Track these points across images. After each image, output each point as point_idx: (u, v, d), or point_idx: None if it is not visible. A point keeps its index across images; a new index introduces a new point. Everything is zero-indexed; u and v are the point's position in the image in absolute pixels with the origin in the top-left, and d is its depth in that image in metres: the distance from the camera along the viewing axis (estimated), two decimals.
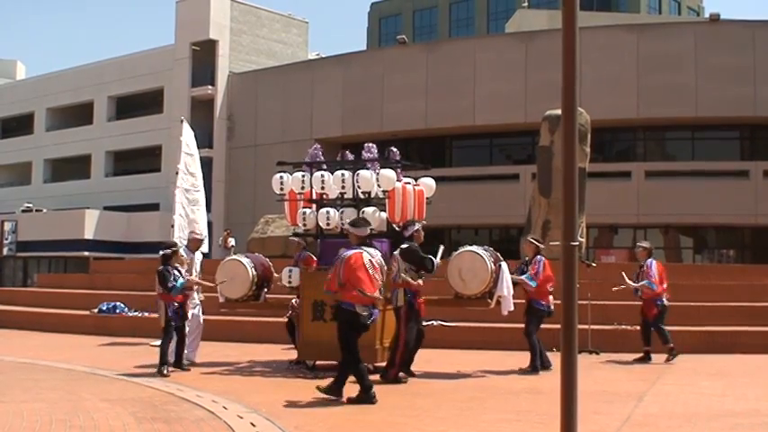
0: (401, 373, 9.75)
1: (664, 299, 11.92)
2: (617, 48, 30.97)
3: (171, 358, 10.70)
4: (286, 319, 12.05)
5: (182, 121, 14.71)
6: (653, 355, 11.83)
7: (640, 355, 11.88)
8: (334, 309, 8.98)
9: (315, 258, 11.21)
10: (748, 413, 7.84)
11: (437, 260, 9.95)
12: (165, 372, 10.25)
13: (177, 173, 14.03)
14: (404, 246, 9.87)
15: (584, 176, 17.29)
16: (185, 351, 11.15)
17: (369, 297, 8.28)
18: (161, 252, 10.79)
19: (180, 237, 13.19)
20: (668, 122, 31.74)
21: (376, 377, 9.50)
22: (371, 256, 8.51)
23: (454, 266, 10.14)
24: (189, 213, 14.02)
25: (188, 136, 14.38)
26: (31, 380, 9.83)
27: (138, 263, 26.36)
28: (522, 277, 10.77)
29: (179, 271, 10.68)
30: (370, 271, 8.36)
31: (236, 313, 14.00)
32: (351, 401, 8.13)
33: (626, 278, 12.19)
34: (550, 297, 10.84)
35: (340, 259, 8.42)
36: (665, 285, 11.95)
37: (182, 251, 11.32)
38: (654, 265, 11.92)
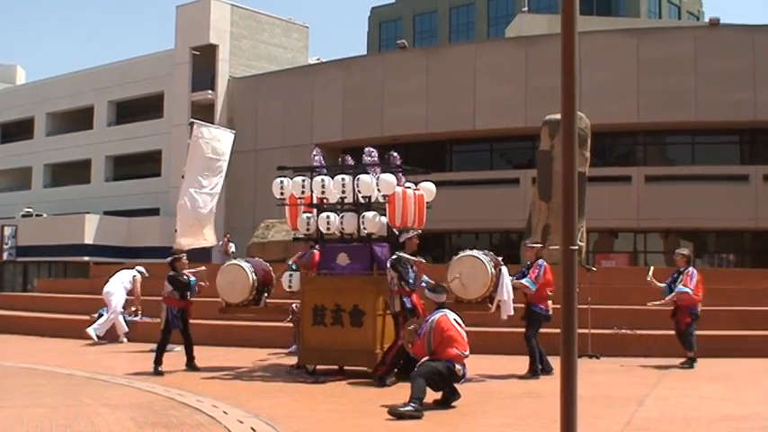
0: (392, 378, 9.77)
1: (698, 308, 11.96)
2: (617, 52, 30.97)
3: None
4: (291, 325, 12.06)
5: (191, 125, 14.46)
6: (661, 360, 11.89)
7: (683, 359, 11.88)
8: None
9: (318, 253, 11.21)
10: (749, 417, 7.84)
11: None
12: (159, 370, 10.91)
13: (183, 176, 13.91)
14: (393, 257, 10.15)
15: (584, 181, 17.31)
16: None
17: (466, 356, 8.38)
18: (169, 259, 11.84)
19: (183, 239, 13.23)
20: (668, 127, 31.72)
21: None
22: (454, 315, 8.63)
23: (454, 271, 10.15)
24: (199, 217, 13.93)
25: (219, 138, 14.02)
26: (31, 385, 9.82)
27: None
28: (522, 281, 10.76)
29: (186, 275, 11.64)
30: (459, 329, 8.49)
31: (237, 318, 13.99)
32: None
33: (657, 284, 12.19)
34: (549, 302, 10.84)
35: (428, 325, 8.46)
36: (700, 295, 11.98)
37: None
38: (695, 274, 11.95)
